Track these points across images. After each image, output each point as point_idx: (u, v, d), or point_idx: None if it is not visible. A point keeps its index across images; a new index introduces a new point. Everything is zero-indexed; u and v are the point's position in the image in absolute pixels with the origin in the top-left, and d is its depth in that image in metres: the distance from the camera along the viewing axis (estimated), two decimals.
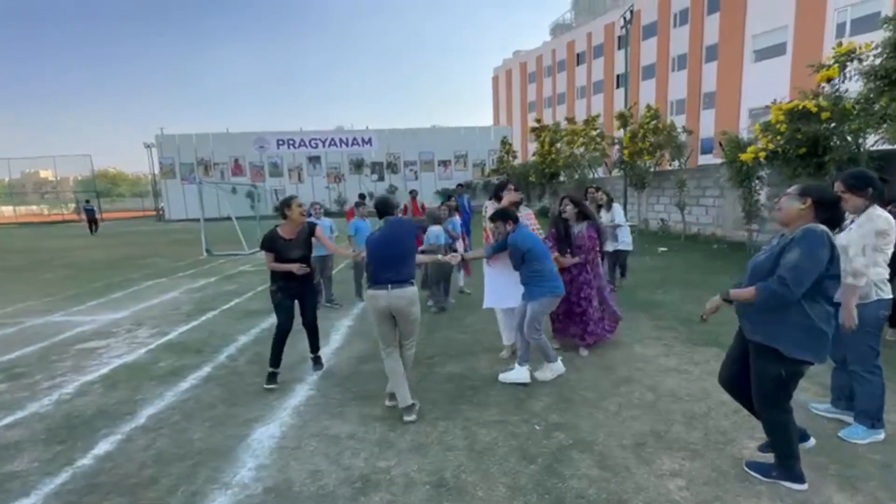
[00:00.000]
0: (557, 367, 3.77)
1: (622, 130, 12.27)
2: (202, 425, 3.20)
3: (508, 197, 4.13)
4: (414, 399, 3.20)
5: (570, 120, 18.66)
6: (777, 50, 18.82)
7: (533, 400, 3.39)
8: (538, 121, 20.64)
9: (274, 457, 2.78)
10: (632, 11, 12.56)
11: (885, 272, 2.68)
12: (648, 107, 11.47)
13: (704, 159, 19.03)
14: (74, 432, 3.16)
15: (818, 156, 6.97)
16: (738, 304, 2.27)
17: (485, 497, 2.35)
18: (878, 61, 5.65)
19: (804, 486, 2.28)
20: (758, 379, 2.28)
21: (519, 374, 3.66)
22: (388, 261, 3.19)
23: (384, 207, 3.41)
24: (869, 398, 2.74)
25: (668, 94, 27.98)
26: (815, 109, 6.44)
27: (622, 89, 32.62)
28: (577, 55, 37.35)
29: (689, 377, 3.68)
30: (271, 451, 2.84)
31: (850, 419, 2.89)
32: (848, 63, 6.36)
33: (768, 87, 19.35)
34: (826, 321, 2.11)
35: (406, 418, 3.10)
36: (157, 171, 34.74)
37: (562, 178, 18.85)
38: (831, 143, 6.76)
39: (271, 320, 5.83)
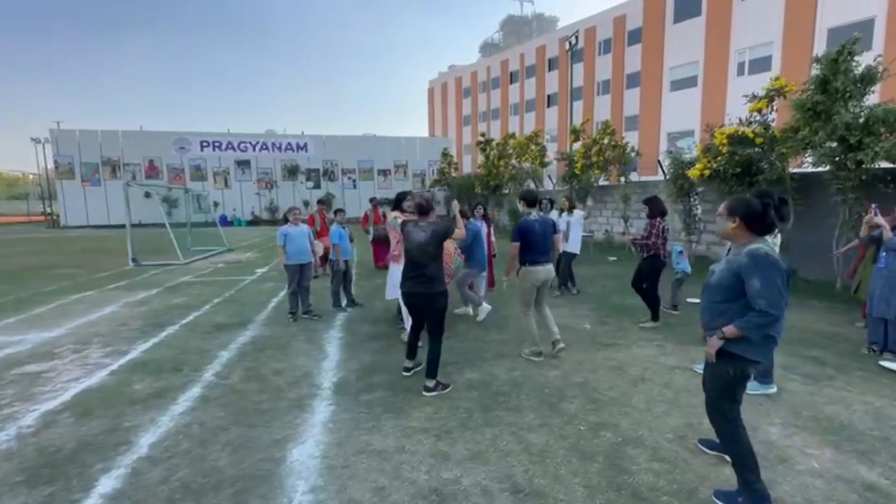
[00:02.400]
0: (485, 308, 5.58)
1: (573, 145, 13.04)
2: (223, 450, 2.85)
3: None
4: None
5: (511, 136, 19.45)
6: (690, 82, 21.25)
7: (564, 403, 3.46)
8: (482, 135, 21.25)
9: (325, 477, 2.55)
10: (577, 36, 13.47)
11: None
12: (607, 123, 12.33)
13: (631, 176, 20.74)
14: (61, 470, 2.66)
15: (751, 176, 7.96)
16: (702, 318, 2.38)
17: (567, 498, 2.36)
18: (804, 95, 6.62)
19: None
20: (711, 384, 2.37)
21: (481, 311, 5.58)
22: (543, 246, 4.24)
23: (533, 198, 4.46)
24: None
25: (594, 116, 30.27)
26: (752, 135, 7.37)
27: (553, 108, 34.80)
28: (511, 74, 39.13)
29: (693, 374, 3.97)
30: (320, 472, 2.60)
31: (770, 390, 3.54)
32: (776, 97, 7.37)
33: (683, 114, 21.75)
34: (777, 329, 2.19)
35: (559, 346, 4.37)
36: (48, 170, 30.57)
37: (505, 191, 19.52)
38: (762, 166, 7.75)
39: (249, 333, 5.40)
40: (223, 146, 31.24)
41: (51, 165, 30.21)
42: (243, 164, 31.65)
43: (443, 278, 3.73)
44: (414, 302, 3.72)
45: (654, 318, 5.43)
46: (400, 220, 4.37)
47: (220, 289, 8.23)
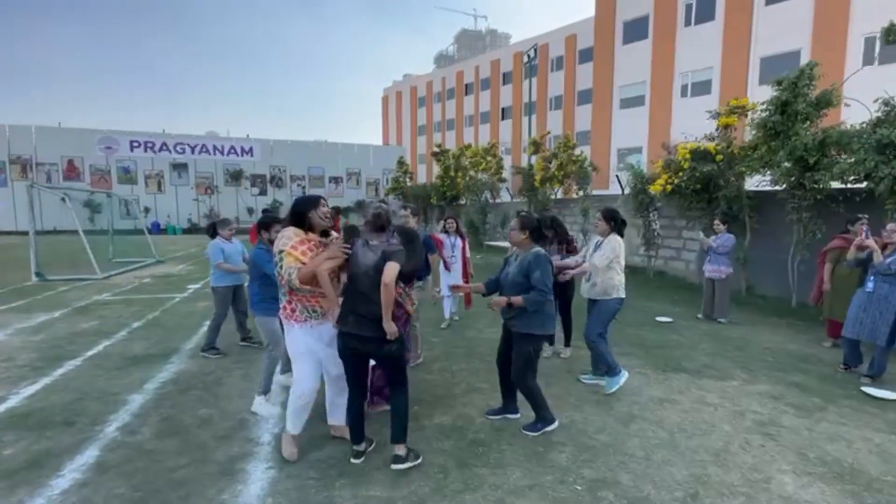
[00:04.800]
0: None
1: (531, 157, 12.92)
2: None
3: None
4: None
5: (467, 147, 19.26)
6: (638, 101, 22.10)
7: (553, 452, 2.97)
8: (438, 145, 20.91)
9: None
10: (536, 49, 13.47)
11: (618, 278, 3.91)
12: (567, 137, 12.30)
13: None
14: None
15: (710, 192, 8.03)
16: (504, 310, 3.15)
17: None
18: (764, 114, 6.72)
19: (557, 424, 3.23)
20: (519, 359, 3.13)
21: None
22: None
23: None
24: (603, 357, 3.89)
25: (547, 129, 30.95)
26: (714, 151, 7.43)
27: (507, 121, 35.27)
28: (466, 85, 39.39)
29: (682, 407, 3.64)
30: None
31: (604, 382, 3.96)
32: (739, 115, 7.46)
33: (632, 131, 22.54)
34: (553, 309, 3.21)
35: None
36: None
37: (462, 202, 19.22)
38: (720, 182, 7.83)
39: (173, 368, 4.51)
40: (157, 147, 28.86)
41: None
42: (180, 168, 29.39)
43: (396, 317, 2.81)
44: (355, 347, 2.71)
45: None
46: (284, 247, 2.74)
47: (142, 309, 7.13)
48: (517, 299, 3.01)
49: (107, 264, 11.62)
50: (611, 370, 3.87)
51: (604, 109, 23.83)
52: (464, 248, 6.07)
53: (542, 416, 3.18)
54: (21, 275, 10.05)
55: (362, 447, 2.86)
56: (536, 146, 12.74)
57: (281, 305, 2.89)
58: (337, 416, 3.13)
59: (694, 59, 20.17)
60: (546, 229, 4.57)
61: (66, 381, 4.15)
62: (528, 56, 13.29)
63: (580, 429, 3.29)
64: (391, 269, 2.62)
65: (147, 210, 27.41)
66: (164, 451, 2.97)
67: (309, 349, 2.87)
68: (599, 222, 3.98)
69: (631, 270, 10.69)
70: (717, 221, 6.52)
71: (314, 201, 2.91)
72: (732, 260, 6.69)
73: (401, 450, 2.77)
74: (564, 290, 4.79)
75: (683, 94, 20.58)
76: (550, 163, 12.12)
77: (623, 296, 3.95)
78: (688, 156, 7.66)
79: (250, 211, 28.85)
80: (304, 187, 30.90)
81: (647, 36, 21.86)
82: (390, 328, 2.63)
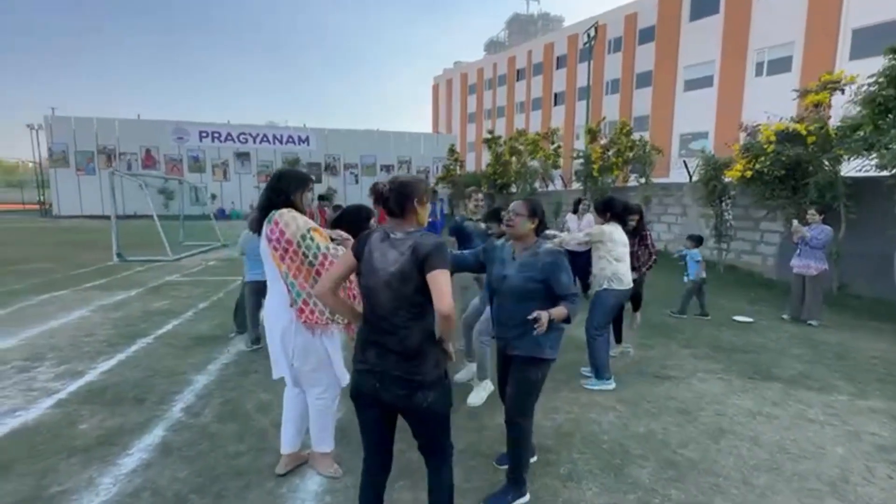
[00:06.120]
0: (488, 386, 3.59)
1: (587, 146, 12.28)
2: None
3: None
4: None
5: (522, 132, 18.69)
6: (705, 82, 20.50)
7: (632, 467, 2.68)
8: (490, 132, 20.48)
9: None
10: (596, 28, 12.71)
11: (609, 268, 3.67)
12: (624, 123, 11.59)
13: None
14: None
15: (796, 179, 7.19)
16: (501, 326, 2.41)
17: None
18: (872, 89, 5.85)
19: (528, 497, 2.36)
20: (523, 388, 2.37)
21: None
22: None
23: None
24: (597, 355, 3.68)
25: (602, 116, 29.52)
26: (804, 132, 6.60)
27: (560, 107, 34.00)
28: (518, 71, 38.32)
29: (781, 424, 3.20)
30: None
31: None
32: (833, 91, 6.58)
33: (697, 115, 20.98)
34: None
35: None
36: (43, 157, 29.73)
37: (514, 189, 18.76)
38: (810, 168, 6.97)
39: (232, 349, 4.58)
40: (223, 137, 30.40)
41: (45, 153, 29.34)
42: (243, 157, 30.83)
43: (435, 352, 1.74)
44: (374, 393, 1.76)
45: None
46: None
47: (207, 290, 7.44)
48: (561, 311, 2.15)
49: (178, 247, 12.34)
50: (599, 372, 3.72)
51: (666, 92, 22.35)
52: None
53: (518, 480, 2.36)
54: (105, 255, 10.86)
55: None
56: (593, 134, 12.06)
57: (297, 307, 2.28)
58: (327, 442, 2.58)
59: (772, 34, 18.36)
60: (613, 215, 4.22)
61: (138, 359, 4.32)
62: (588, 35, 12.54)
63: (661, 440, 2.96)
64: (443, 286, 1.61)
65: (213, 197, 29.01)
66: (224, 435, 2.97)
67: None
68: (595, 216, 3.96)
69: None
70: (812, 211, 5.78)
71: (304, 181, 2.40)
72: (827, 255, 5.93)
73: None
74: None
75: (758, 72, 18.85)
76: (609, 151, 11.42)
77: (622, 288, 3.71)
78: (772, 137, 6.86)
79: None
80: (356, 175, 31.49)
81: (717, 10, 20.17)
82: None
